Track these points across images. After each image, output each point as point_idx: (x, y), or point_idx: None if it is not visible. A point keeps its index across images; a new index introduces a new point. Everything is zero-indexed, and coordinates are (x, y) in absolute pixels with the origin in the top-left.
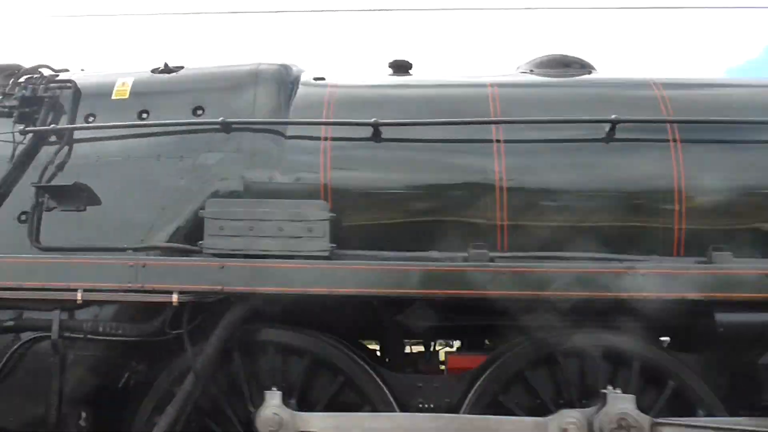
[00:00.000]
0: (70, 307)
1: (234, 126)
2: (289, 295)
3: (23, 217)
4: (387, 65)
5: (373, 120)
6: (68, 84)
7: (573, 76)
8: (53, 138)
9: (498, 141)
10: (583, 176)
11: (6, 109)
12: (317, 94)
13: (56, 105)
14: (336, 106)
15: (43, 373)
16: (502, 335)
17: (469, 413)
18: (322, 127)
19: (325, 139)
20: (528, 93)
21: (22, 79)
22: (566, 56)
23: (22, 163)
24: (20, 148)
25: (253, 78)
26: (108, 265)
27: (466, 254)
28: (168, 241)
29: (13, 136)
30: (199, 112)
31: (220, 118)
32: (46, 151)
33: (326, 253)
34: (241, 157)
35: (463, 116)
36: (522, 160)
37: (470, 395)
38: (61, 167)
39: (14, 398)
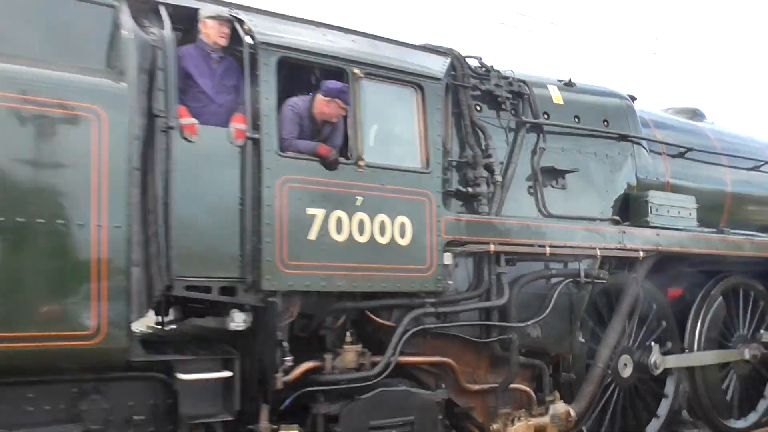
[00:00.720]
0: (580, 258)
1: (630, 138)
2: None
3: (531, 190)
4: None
5: (679, 147)
6: (523, 83)
7: (700, 122)
8: (530, 128)
9: None
10: None
11: (498, 98)
12: (642, 119)
13: (521, 100)
14: (655, 129)
15: (569, 307)
16: None
17: None
18: (660, 144)
19: (663, 154)
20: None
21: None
22: (693, 108)
23: (518, 146)
24: (515, 134)
25: (625, 103)
26: (607, 231)
27: None
28: (611, 215)
29: (504, 123)
30: (605, 123)
31: (635, 133)
32: (529, 139)
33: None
34: (633, 160)
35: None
36: None
37: None
38: (540, 153)
39: (553, 326)
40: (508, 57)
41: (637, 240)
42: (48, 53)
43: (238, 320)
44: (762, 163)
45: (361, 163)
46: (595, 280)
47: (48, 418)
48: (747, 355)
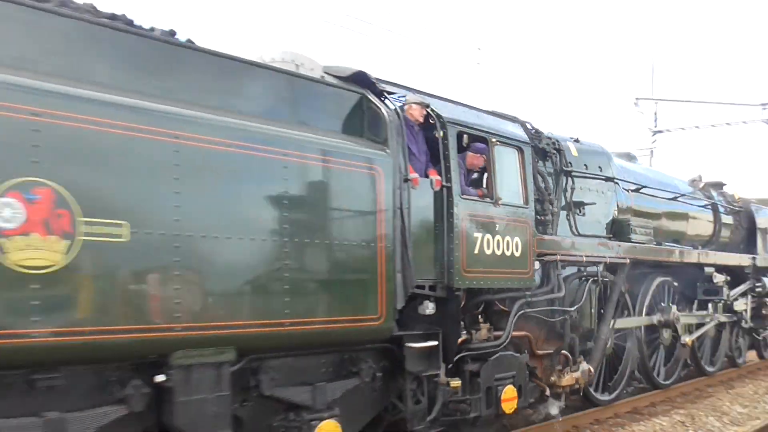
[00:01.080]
0: (597, 264)
1: (615, 180)
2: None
3: (567, 217)
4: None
5: (637, 184)
6: (557, 141)
7: (635, 162)
8: (563, 173)
9: None
10: None
11: (547, 153)
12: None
13: (559, 154)
14: (623, 172)
15: (590, 297)
16: None
17: None
18: (627, 184)
19: (628, 190)
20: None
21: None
22: (628, 152)
23: (560, 186)
24: (556, 178)
25: (607, 152)
26: (611, 245)
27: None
28: (606, 234)
29: (549, 170)
30: (600, 168)
31: (616, 176)
32: (563, 181)
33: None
34: (614, 194)
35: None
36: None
37: None
38: (572, 191)
39: (583, 310)
40: (343, 59)
41: (625, 251)
42: (338, 128)
43: (430, 308)
44: (679, 194)
45: (499, 201)
46: (604, 279)
47: (331, 376)
48: (654, 321)
